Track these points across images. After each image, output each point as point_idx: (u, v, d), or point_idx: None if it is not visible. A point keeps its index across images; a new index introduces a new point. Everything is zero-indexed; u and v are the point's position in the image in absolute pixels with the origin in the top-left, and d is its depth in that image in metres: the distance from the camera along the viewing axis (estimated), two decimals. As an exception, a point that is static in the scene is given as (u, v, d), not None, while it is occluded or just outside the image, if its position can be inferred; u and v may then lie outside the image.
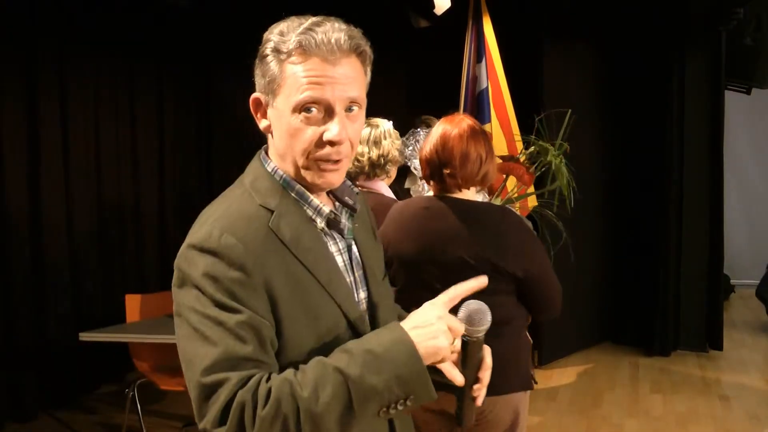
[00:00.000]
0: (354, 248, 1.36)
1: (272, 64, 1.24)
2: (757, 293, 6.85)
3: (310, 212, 1.28)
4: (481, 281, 1.26)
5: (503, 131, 4.65)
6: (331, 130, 1.21)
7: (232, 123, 6.47)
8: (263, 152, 1.35)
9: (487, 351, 1.32)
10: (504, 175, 3.59)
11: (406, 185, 3.36)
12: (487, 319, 1.24)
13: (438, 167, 2.16)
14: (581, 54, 5.94)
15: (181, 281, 1.20)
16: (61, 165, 4.92)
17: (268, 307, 1.18)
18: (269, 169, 1.30)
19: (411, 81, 6.41)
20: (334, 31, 1.21)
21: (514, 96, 4.71)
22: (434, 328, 1.16)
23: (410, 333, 1.16)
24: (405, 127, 4.93)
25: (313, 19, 1.23)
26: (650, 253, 6.02)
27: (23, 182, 4.67)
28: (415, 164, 3.07)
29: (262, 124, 1.30)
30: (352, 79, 1.22)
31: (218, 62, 6.23)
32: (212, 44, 6.07)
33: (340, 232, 1.33)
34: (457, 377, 1.21)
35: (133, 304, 4.07)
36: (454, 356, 1.25)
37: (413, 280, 2.17)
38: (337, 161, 1.24)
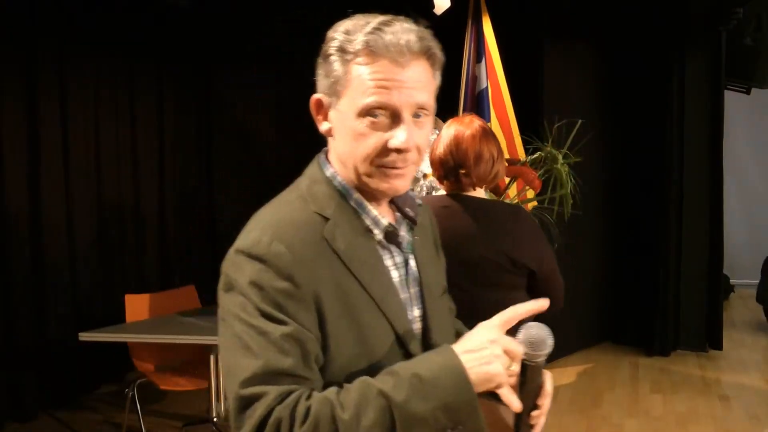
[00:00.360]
0: (411, 263, 1.28)
1: (336, 64, 1.16)
2: (758, 299, 6.84)
3: (367, 222, 1.22)
4: (541, 303, 1.20)
5: (503, 131, 4.65)
6: (398, 137, 1.14)
7: (232, 123, 6.48)
8: (323, 156, 1.26)
9: (547, 377, 1.25)
10: (507, 178, 3.61)
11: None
12: (549, 342, 1.18)
13: (453, 167, 2.20)
14: (581, 54, 5.94)
15: (228, 286, 1.14)
16: (61, 165, 4.92)
17: (315, 321, 1.11)
18: (328, 175, 1.23)
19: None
20: (403, 31, 1.14)
21: (513, 96, 4.71)
22: (487, 352, 1.10)
23: (461, 357, 1.09)
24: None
25: (382, 18, 1.16)
26: (650, 253, 6.02)
27: (23, 182, 4.67)
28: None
29: (323, 126, 1.22)
30: (421, 83, 1.15)
31: (218, 62, 6.23)
32: (212, 44, 6.08)
33: (398, 246, 1.26)
34: (514, 403, 1.14)
35: (133, 304, 4.06)
36: (513, 380, 1.16)
37: None
38: (402, 167, 1.17)
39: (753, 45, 6.08)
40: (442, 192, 2.79)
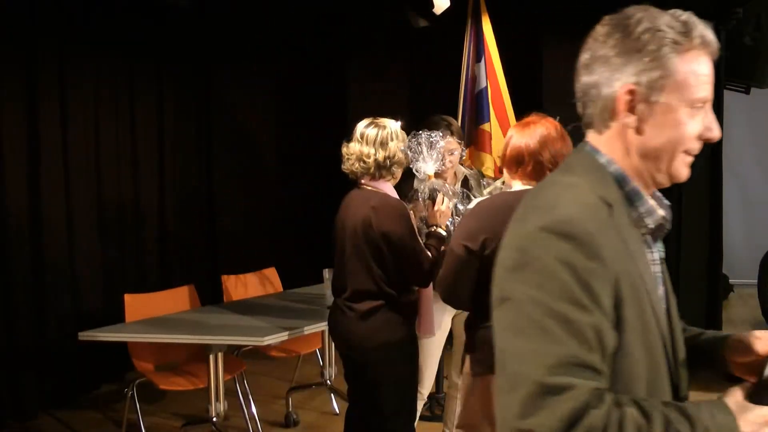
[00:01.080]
0: (658, 260, 1.28)
1: (669, 57, 1.16)
2: (759, 296, 6.83)
3: (641, 211, 1.20)
4: None
5: (502, 131, 4.64)
6: (714, 130, 1.19)
7: (233, 123, 6.49)
8: (589, 145, 1.25)
9: None
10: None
11: (415, 185, 3.36)
12: None
13: (540, 162, 2.31)
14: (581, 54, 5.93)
15: (521, 265, 1.08)
16: (61, 165, 4.92)
17: (612, 308, 1.08)
18: (602, 162, 1.21)
19: (411, 81, 6.41)
20: (706, 27, 1.20)
21: (513, 96, 4.71)
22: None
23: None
24: (404, 126, 4.90)
25: (683, 12, 1.20)
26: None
27: (23, 182, 4.67)
28: (417, 167, 3.06)
29: (627, 118, 1.19)
30: None
31: (218, 62, 6.23)
32: (212, 44, 6.08)
33: (655, 241, 1.26)
34: None
35: (133, 303, 4.06)
36: None
37: None
38: (694, 157, 1.22)
39: (752, 44, 6.07)
40: (447, 195, 2.84)
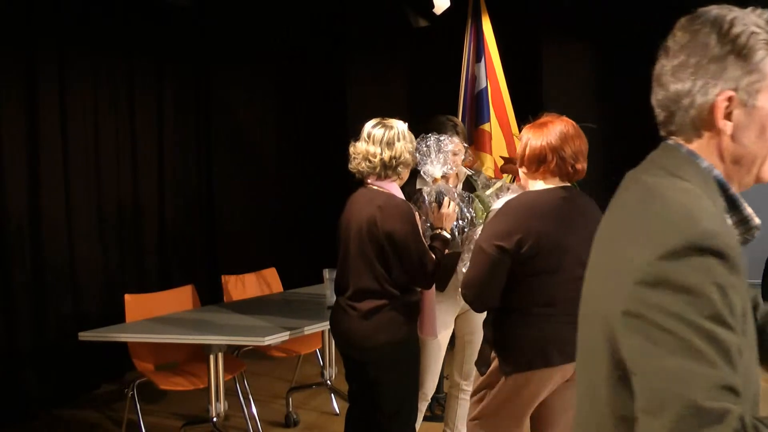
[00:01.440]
0: None
1: (764, 61, 1.13)
2: (763, 296, 6.83)
3: (740, 218, 1.17)
4: None
5: (502, 131, 4.66)
6: None
7: (232, 123, 6.49)
8: (685, 147, 1.20)
9: None
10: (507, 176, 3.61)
11: (418, 185, 3.36)
12: None
13: (563, 158, 2.39)
14: (581, 53, 5.93)
15: (663, 281, 1.02)
16: (61, 165, 4.92)
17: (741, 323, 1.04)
18: (704, 166, 1.17)
19: (411, 81, 6.41)
20: None
21: (513, 96, 4.71)
22: None
23: None
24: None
25: (762, 9, 1.17)
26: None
27: (23, 182, 4.68)
28: (426, 169, 3.06)
29: (723, 125, 1.15)
30: None
31: (218, 62, 6.23)
32: (212, 43, 6.08)
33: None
34: None
35: (133, 304, 4.06)
36: None
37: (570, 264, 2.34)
38: None
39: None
40: (453, 198, 2.85)
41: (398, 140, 2.81)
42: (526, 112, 3.28)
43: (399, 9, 5.54)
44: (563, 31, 5.72)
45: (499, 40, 4.74)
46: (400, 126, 2.86)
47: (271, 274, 4.93)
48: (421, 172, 3.08)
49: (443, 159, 3.02)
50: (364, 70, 6.53)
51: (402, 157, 2.82)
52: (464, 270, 2.77)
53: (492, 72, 4.72)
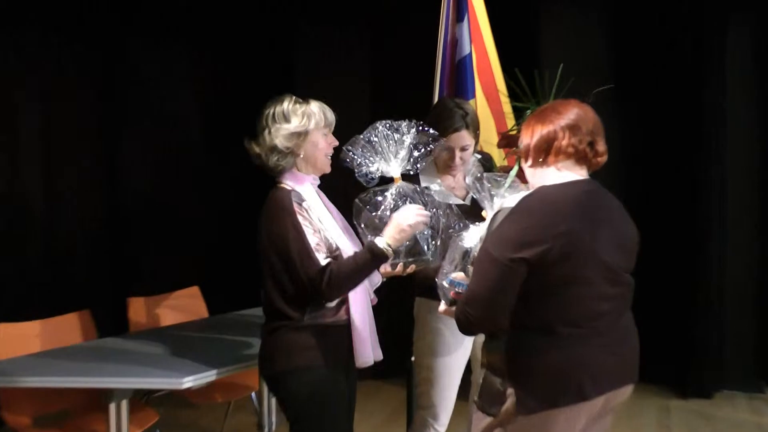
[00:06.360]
0: None
1: None
2: None
3: None
4: None
5: (491, 109, 4.65)
6: None
7: (148, 109, 6.48)
8: None
9: None
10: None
11: (423, 183, 3.37)
12: None
13: (583, 140, 2.45)
14: (587, 8, 5.97)
15: None
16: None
17: None
18: None
19: (373, 46, 6.43)
20: None
21: (504, 63, 4.70)
22: None
23: None
24: (366, 115, 4.91)
25: None
26: (682, 264, 6.02)
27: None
28: (379, 168, 3.01)
29: None
30: None
31: (131, 34, 6.28)
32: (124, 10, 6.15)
33: None
34: None
35: (6, 336, 4.01)
36: None
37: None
38: None
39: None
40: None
41: (269, 124, 2.91)
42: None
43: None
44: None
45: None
46: (278, 105, 2.92)
47: (194, 295, 4.96)
48: (378, 173, 2.99)
49: (404, 153, 2.93)
50: (315, 43, 6.49)
51: (273, 144, 2.89)
52: (445, 284, 2.73)
53: (478, 34, 4.72)
